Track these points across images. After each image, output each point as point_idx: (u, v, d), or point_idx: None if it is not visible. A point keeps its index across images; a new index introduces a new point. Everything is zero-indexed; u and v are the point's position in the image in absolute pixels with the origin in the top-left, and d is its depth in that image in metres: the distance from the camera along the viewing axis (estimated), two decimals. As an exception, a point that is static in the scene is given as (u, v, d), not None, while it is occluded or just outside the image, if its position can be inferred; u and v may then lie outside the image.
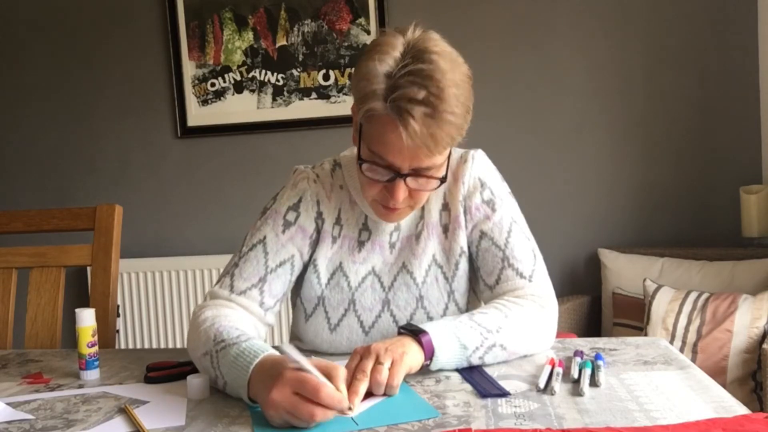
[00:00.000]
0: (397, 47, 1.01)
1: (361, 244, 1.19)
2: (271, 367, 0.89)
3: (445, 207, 1.19)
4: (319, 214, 1.19)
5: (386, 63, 1.00)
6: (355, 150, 1.19)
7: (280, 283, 1.17)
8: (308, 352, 1.20)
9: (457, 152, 1.21)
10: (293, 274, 1.18)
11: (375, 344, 0.96)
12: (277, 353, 0.94)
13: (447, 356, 1.01)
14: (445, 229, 1.19)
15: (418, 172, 1.05)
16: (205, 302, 1.15)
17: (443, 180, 1.08)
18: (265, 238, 1.17)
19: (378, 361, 0.93)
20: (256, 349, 0.94)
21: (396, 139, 0.99)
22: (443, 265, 1.18)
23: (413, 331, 1.01)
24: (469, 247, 1.19)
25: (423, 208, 1.19)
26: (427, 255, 1.18)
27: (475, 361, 1.04)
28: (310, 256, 1.20)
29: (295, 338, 1.27)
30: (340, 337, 1.18)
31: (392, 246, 1.20)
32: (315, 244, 1.19)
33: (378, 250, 1.19)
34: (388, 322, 1.18)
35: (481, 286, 1.20)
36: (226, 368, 0.95)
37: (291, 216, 1.18)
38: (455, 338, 1.02)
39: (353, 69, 1.06)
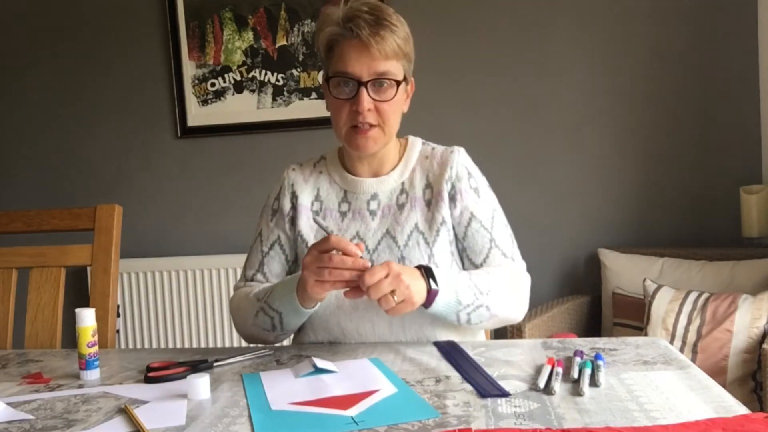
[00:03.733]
0: (342, 5, 1.25)
1: (343, 214, 1.33)
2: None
3: (428, 185, 1.32)
4: (293, 195, 1.36)
5: (337, 10, 1.23)
6: (338, 145, 1.40)
7: (276, 263, 1.37)
8: (306, 326, 1.33)
9: (440, 147, 1.37)
10: (285, 252, 1.37)
11: (403, 273, 1.08)
12: None
13: (442, 307, 1.17)
14: (428, 204, 1.31)
15: (376, 78, 1.22)
16: (232, 295, 1.39)
17: (399, 83, 1.24)
18: (261, 230, 1.39)
19: (393, 292, 1.07)
20: (295, 275, 1.20)
21: (352, 50, 1.21)
22: (425, 232, 1.29)
23: (427, 275, 1.14)
24: (456, 227, 1.31)
25: (404, 183, 1.32)
26: (409, 223, 1.30)
27: (463, 318, 1.20)
28: (294, 232, 1.35)
29: None
30: (329, 296, 1.24)
31: (372, 214, 1.32)
32: (294, 220, 1.35)
33: (359, 218, 1.32)
34: None
35: (466, 264, 1.32)
36: (278, 299, 1.21)
37: (275, 204, 1.38)
38: (454, 293, 1.17)
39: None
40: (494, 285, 1.22)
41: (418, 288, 1.11)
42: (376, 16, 1.20)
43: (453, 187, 1.30)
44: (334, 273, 1.08)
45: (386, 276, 1.07)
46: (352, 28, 1.19)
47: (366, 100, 1.22)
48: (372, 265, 1.21)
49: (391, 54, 1.21)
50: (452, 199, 1.30)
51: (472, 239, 1.30)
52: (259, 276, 1.37)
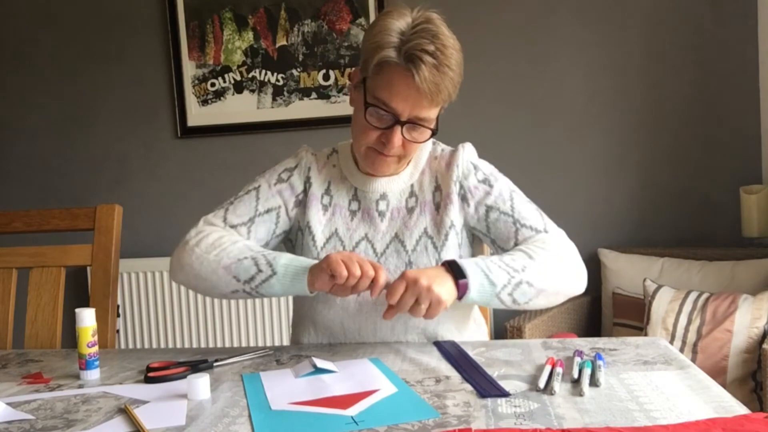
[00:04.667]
0: (407, 15, 1.18)
1: (352, 213, 1.31)
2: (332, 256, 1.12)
3: (437, 188, 1.30)
4: (308, 179, 1.33)
5: (400, 22, 1.16)
6: (351, 140, 1.34)
7: (265, 229, 1.31)
8: (306, 323, 1.32)
9: (449, 148, 1.35)
10: (278, 225, 1.32)
11: (421, 278, 1.06)
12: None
13: (477, 295, 1.13)
14: (437, 207, 1.29)
15: (414, 122, 1.18)
16: (201, 226, 1.29)
17: (434, 132, 1.22)
18: (259, 186, 1.33)
19: (418, 302, 1.06)
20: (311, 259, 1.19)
21: (403, 86, 1.14)
22: (433, 236, 1.27)
23: (452, 269, 1.11)
24: (477, 224, 1.29)
25: (414, 186, 1.31)
26: (418, 228, 1.28)
27: (506, 299, 1.15)
28: (299, 220, 1.32)
29: (296, 314, 1.36)
30: (334, 297, 1.24)
31: (381, 215, 1.30)
32: (301, 204, 1.32)
33: (368, 219, 1.30)
34: None
35: (498, 254, 1.26)
36: (286, 262, 1.17)
37: (285, 175, 1.34)
38: (485, 277, 1.13)
39: (364, 33, 1.24)
40: (530, 260, 1.17)
41: (442, 287, 1.07)
42: (438, 59, 1.13)
43: (461, 186, 1.28)
44: (347, 281, 1.08)
45: (405, 290, 1.06)
46: (411, 65, 1.13)
47: (398, 138, 1.18)
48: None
49: (440, 101, 1.17)
50: (464, 198, 1.28)
51: (495, 229, 1.27)
52: (243, 230, 1.29)
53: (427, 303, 1.06)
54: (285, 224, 1.33)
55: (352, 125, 1.26)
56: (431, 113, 1.18)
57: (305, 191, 1.32)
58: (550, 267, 1.18)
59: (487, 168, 1.32)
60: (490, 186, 1.28)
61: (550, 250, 1.21)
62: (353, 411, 0.89)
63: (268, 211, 1.31)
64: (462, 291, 1.11)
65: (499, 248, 1.28)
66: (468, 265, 1.12)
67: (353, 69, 1.25)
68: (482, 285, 1.12)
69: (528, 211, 1.27)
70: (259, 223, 1.30)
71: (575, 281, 1.23)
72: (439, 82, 1.13)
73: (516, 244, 1.24)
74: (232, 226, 1.29)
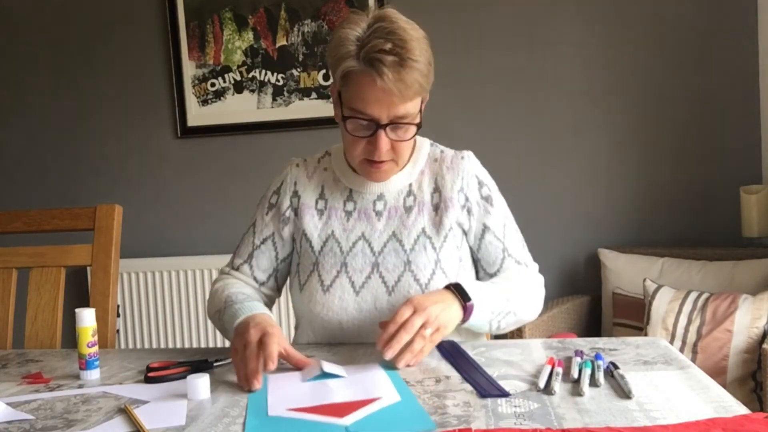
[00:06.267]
0: (363, 20, 1.18)
1: (348, 213, 1.31)
2: (251, 322, 1.10)
3: (436, 189, 1.31)
4: (295, 193, 1.34)
5: (356, 30, 1.16)
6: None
7: (266, 259, 1.35)
8: (305, 324, 1.34)
9: (450, 151, 1.36)
10: (276, 249, 1.35)
11: (429, 304, 1.08)
12: (267, 314, 1.17)
13: (477, 320, 1.18)
14: (436, 208, 1.30)
15: (395, 122, 1.17)
16: (216, 277, 1.39)
17: (419, 126, 1.21)
18: (255, 221, 1.37)
19: (424, 326, 1.07)
20: (252, 309, 1.17)
21: (371, 91, 1.14)
22: (432, 237, 1.28)
23: (458, 291, 1.15)
24: (470, 239, 1.31)
25: (412, 185, 1.31)
26: (416, 227, 1.28)
27: (494, 326, 1.23)
28: (294, 233, 1.34)
29: (296, 315, 1.39)
30: (332, 296, 1.26)
31: (378, 214, 1.30)
32: (290, 221, 1.34)
33: (365, 218, 1.30)
34: (377, 282, 1.26)
35: (480, 274, 1.34)
36: (230, 320, 1.19)
37: (274, 199, 1.36)
38: (488, 302, 1.19)
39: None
40: (516, 291, 1.26)
41: (450, 310, 1.12)
42: (399, 56, 1.12)
43: (466, 198, 1.30)
44: (240, 364, 1.06)
45: (413, 313, 1.07)
46: (372, 69, 1.12)
47: (384, 142, 1.18)
48: (381, 267, 1.26)
49: (412, 95, 1.16)
50: (469, 211, 1.30)
51: (485, 251, 1.31)
52: (246, 267, 1.36)
53: (435, 327, 1.08)
54: (286, 247, 1.35)
55: (344, 144, 1.28)
56: (410, 108, 1.17)
57: (293, 206, 1.34)
58: (528, 301, 1.29)
59: (490, 184, 1.34)
60: (491, 205, 1.31)
61: (530, 285, 1.31)
62: (349, 420, 0.87)
63: (263, 241, 1.35)
64: (467, 314, 1.15)
65: (482, 268, 1.33)
66: (472, 290, 1.17)
67: (330, 84, 1.23)
68: (482, 311, 1.18)
69: (515, 242, 1.33)
70: (258, 256, 1.35)
71: (535, 314, 1.34)
72: (405, 77, 1.12)
73: (499, 270, 1.31)
74: (236, 268, 1.37)
